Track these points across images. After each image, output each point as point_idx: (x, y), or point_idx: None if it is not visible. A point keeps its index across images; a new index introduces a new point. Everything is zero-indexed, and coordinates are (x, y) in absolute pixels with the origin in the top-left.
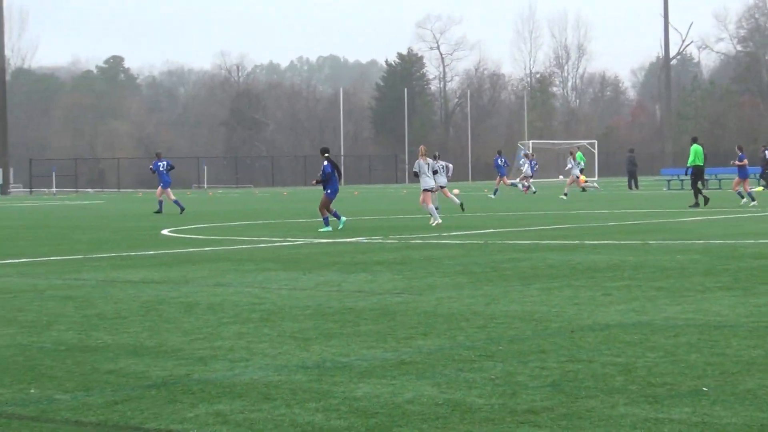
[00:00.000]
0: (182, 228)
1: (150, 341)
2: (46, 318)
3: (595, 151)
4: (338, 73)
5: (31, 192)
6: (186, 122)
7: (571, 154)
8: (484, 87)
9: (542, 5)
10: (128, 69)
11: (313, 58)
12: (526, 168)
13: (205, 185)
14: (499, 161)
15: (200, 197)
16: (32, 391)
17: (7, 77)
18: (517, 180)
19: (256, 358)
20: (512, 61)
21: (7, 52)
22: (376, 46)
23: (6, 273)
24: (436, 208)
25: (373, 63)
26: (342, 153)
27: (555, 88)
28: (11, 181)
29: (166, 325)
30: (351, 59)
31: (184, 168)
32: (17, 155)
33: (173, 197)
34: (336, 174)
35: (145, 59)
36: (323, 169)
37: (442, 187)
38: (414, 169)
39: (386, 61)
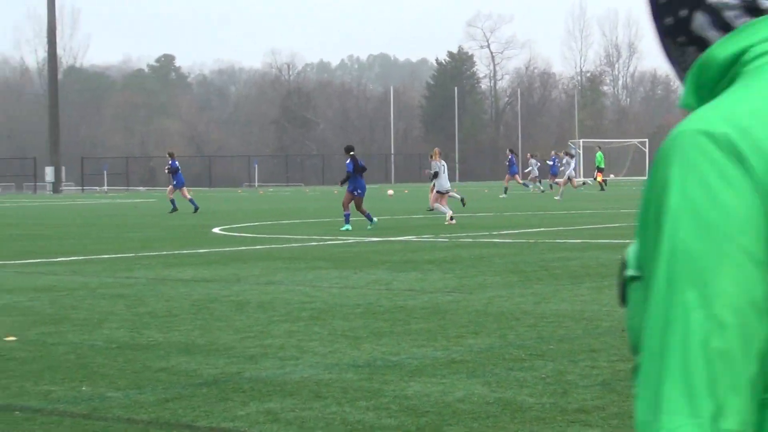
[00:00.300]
0: (233, 226)
1: (201, 339)
2: (98, 316)
3: (647, 150)
4: (388, 72)
5: (83, 190)
6: (237, 121)
7: (567, 154)
8: (535, 86)
9: (593, 3)
10: (179, 68)
11: (363, 57)
12: (533, 169)
13: (256, 184)
14: (513, 159)
15: (251, 196)
16: (84, 388)
17: (59, 76)
18: (528, 180)
19: (307, 356)
20: (562, 60)
21: (59, 50)
22: (426, 45)
23: (58, 271)
24: (430, 210)
25: (423, 61)
26: (392, 151)
27: (605, 87)
28: (63, 179)
29: (217, 324)
30: (401, 58)
31: (235, 167)
32: (69, 154)
33: (171, 196)
34: (358, 172)
35: (196, 58)
36: (347, 167)
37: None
38: (435, 170)
39: (437, 60)
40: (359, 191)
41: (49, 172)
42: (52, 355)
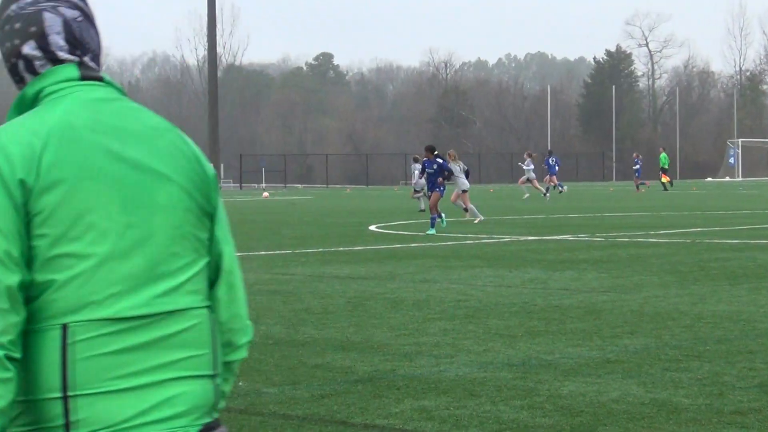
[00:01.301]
0: (389, 224)
1: (356, 336)
2: (255, 312)
3: None
4: (546, 71)
5: (241, 187)
6: (394, 119)
7: (530, 156)
8: (693, 84)
9: (753, 1)
10: (337, 66)
11: (521, 55)
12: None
13: (413, 182)
14: (549, 161)
15: (407, 193)
16: (240, 384)
17: (219, 74)
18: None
19: (461, 354)
20: (722, 59)
21: (219, 49)
22: (584, 43)
23: None
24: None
25: (581, 60)
26: (549, 150)
27: (765, 86)
28: (222, 176)
29: (372, 321)
30: (559, 56)
31: (392, 165)
32: (228, 151)
33: None
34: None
35: (354, 56)
36: (442, 166)
37: (464, 191)
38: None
39: (594, 59)
40: (443, 189)
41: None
42: None
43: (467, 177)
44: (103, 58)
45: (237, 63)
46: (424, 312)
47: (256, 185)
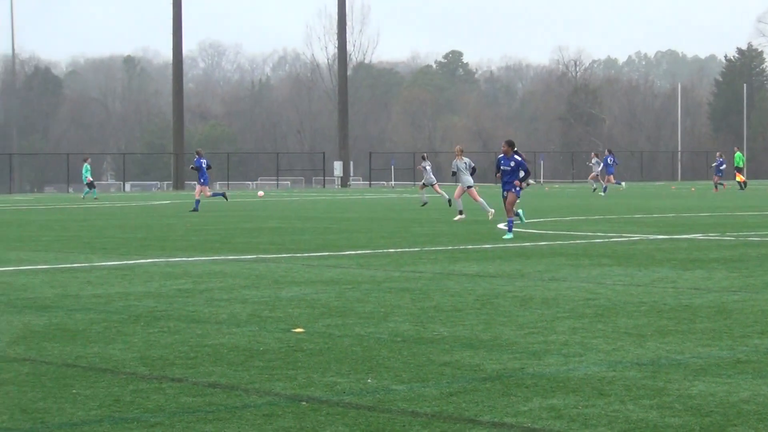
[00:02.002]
0: (517, 222)
1: (485, 334)
2: (384, 309)
3: None
4: (676, 69)
5: (370, 185)
6: (523, 117)
7: (596, 155)
8: None
9: None
10: (467, 64)
11: (651, 53)
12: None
13: (542, 180)
14: (608, 160)
15: (536, 192)
16: (369, 381)
17: (349, 72)
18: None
19: (590, 353)
20: None
21: (349, 47)
22: (715, 41)
23: (346, 264)
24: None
25: (711, 58)
26: (679, 149)
27: None
28: (351, 174)
29: (500, 319)
30: (689, 54)
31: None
32: (357, 149)
33: (209, 193)
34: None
35: (484, 54)
36: (519, 164)
37: (469, 187)
38: (452, 170)
39: (725, 56)
40: (519, 189)
41: (337, 167)
42: (338, 347)
43: (473, 174)
44: (233, 55)
45: (366, 61)
46: (553, 310)
47: (385, 183)
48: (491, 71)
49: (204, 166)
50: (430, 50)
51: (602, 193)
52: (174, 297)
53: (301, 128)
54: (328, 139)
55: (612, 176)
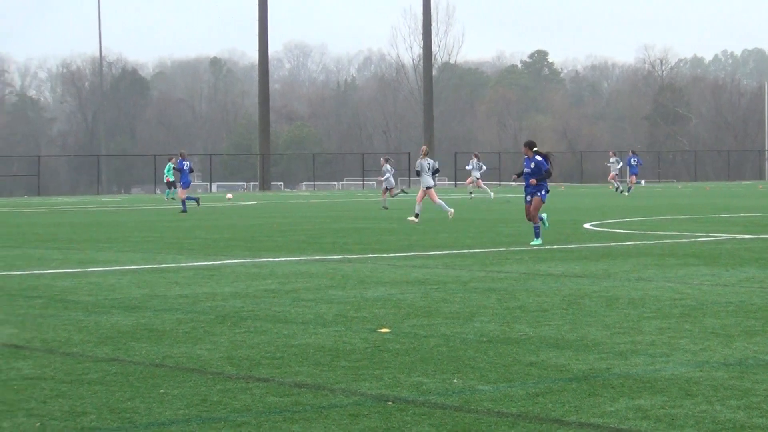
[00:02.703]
0: (604, 222)
1: (571, 334)
2: (469, 309)
3: None
4: (763, 67)
5: (455, 185)
6: (609, 116)
7: (476, 156)
8: None
9: None
10: (552, 63)
11: (737, 52)
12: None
13: (627, 179)
14: (632, 161)
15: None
16: (455, 381)
17: (434, 72)
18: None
19: (677, 353)
20: None
21: (434, 47)
22: None
23: (431, 264)
24: (417, 215)
25: None
26: (766, 147)
27: None
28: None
29: (587, 319)
30: None
31: (607, 162)
32: (443, 148)
33: (184, 196)
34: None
35: (569, 53)
36: (540, 165)
37: (429, 188)
38: (416, 169)
39: None
40: (546, 192)
41: None
42: (424, 347)
43: (435, 174)
44: (318, 56)
45: (452, 61)
46: (639, 310)
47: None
48: (577, 70)
49: (186, 168)
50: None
51: (626, 193)
52: (260, 297)
53: (387, 128)
54: (414, 139)
55: (635, 176)
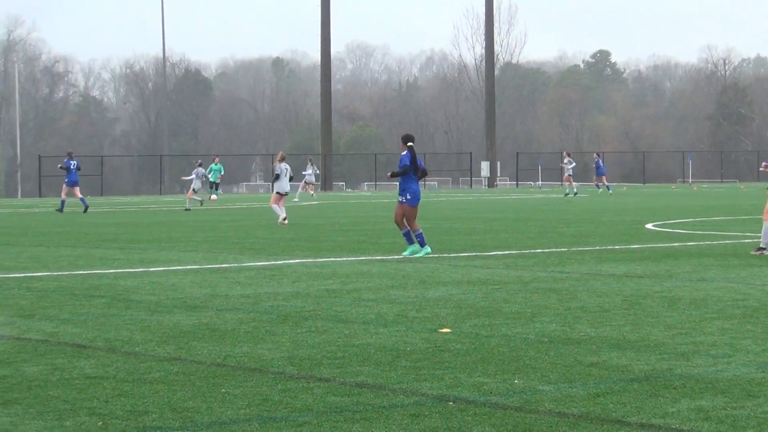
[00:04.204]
0: (666, 222)
1: (632, 335)
2: (531, 310)
3: None
4: None
5: (517, 185)
6: (671, 116)
7: (568, 154)
8: None
9: None
10: (614, 63)
11: None
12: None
13: (690, 180)
14: (600, 162)
15: (685, 192)
16: (516, 381)
17: (496, 72)
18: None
19: (739, 354)
20: None
21: (497, 47)
22: None
23: (492, 264)
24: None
25: None
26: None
27: None
28: (498, 174)
29: (648, 320)
30: None
31: (669, 162)
32: (504, 148)
33: (79, 195)
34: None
35: (632, 53)
36: (400, 160)
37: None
38: (276, 172)
39: None
40: (410, 197)
41: (484, 167)
42: (484, 347)
43: (291, 180)
44: (380, 56)
45: (514, 61)
46: (702, 311)
47: (531, 183)
48: (639, 70)
49: (73, 168)
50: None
51: (610, 192)
52: (322, 297)
53: (448, 129)
54: (475, 139)
55: (604, 176)
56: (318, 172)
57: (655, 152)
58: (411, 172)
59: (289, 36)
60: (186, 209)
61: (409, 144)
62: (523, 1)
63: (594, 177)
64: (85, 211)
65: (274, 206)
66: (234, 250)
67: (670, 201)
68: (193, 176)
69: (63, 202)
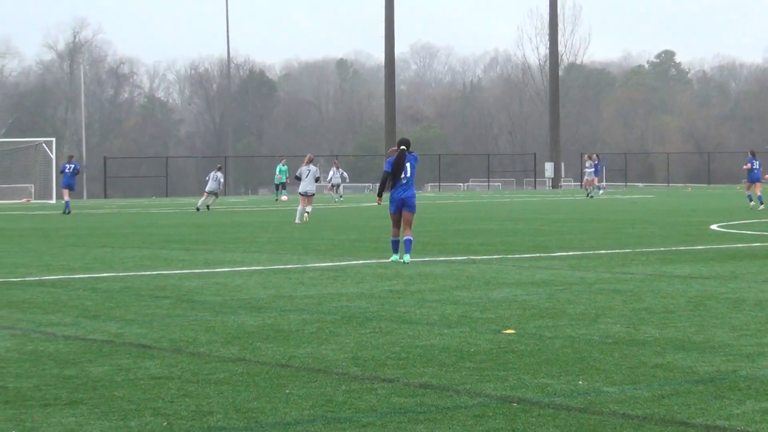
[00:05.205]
0: (731, 223)
1: (697, 336)
2: (595, 311)
3: None
4: None
5: (581, 186)
6: (736, 117)
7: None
8: None
9: None
10: (679, 64)
11: None
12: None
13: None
14: (598, 165)
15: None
16: (580, 382)
17: (560, 72)
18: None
19: None
20: None
21: (561, 47)
22: None
23: (556, 265)
24: (307, 212)
25: None
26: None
27: None
28: (563, 175)
29: (713, 321)
30: None
31: (734, 163)
32: (569, 150)
33: (67, 198)
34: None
35: (696, 54)
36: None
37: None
38: (296, 174)
39: None
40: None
41: (548, 168)
42: (549, 348)
43: (317, 182)
44: (444, 57)
45: (578, 61)
46: (767, 312)
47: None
48: (704, 71)
49: (69, 171)
50: (642, 50)
51: (600, 192)
52: (386, 298)
53: (512, 129)
54: (539, 140)
55: (597, 178)
56: (345, 174)
57: (721, 153)
58: (398, 178)
59: (353, 37)
60: (207, 208)
61: (402, 147)
62: (588, 1)
63: (584, 179)
64: (65, 213)
65: (299, 208)
66: (298, 251)
67: (735, 202)
68: (209, 179)
69: (66, 203)
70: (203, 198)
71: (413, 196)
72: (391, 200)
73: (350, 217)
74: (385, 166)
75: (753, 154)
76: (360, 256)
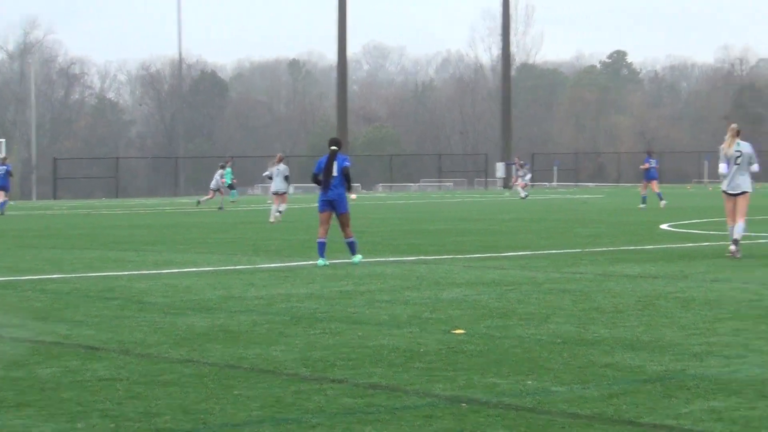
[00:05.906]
0: (681, 223)
1: (646, 336)
2: (544, 311)
3: None
4: None
5: (533, 186)
6: (687, 117)
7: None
8: None
9: None
10: (631, 64)
11: None
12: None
13: (705, 180)
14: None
15: (700, 192)
16: (529, 382)
17: (513, 73)
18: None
19: (753, 355)
20: None
21: (513, 48)
22: None
23: (507, 265)
24: (279, 212)
25: None
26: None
27: None
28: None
29: (662, 320)
30: None
31: (685, 163)
32: (520, 150)
33: (1, 199)
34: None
35: (648, 54)
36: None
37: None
38: (265, 173)
39: None
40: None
41: (500, 168)
42: (498, 348)
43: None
44: (397, 57)
45: (530, 62)
46: (715, 311)
47: (547, 184)
48: (656, 71)
49: (2, 173)
50: (595, 50)
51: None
52: (336, 299)
53: (464, 129)
54: (491, 140)
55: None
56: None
57: (671, 153)
58: (328, 178)
59: (305, 37)
60: (219, 208)
61: (332, 147)
62: (541, 2)
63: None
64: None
65: (273, 206)
66: (249, 251)
67: (685, 201)
68: (217, 177)
69: (1, 204)
70: (207, 197)
71: (341, 196)
72: (320, 200)
73: (301, 217)
74: (314, 167)
75: (650, 154)
76: (310, 256)
